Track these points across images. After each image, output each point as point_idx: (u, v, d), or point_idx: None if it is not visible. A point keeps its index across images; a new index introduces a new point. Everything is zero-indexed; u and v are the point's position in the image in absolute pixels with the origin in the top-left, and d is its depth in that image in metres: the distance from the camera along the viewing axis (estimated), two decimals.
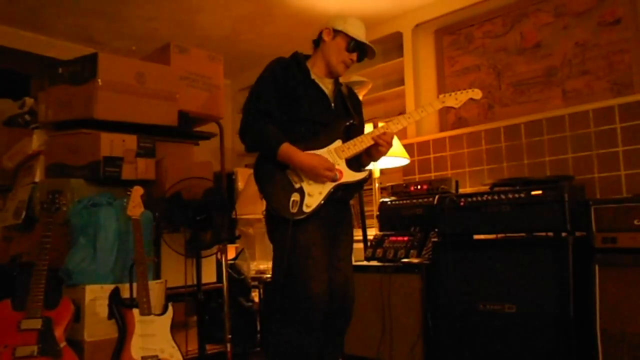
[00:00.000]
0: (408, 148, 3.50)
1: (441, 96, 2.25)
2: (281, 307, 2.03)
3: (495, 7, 3.49)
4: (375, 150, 2.17)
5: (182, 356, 2.38)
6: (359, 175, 2.14)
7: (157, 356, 2.28)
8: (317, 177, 2.05)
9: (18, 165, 3.11)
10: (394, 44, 4.07)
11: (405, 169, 3.65)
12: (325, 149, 2.11)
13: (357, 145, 2.13)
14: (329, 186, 2.06)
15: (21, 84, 4.08)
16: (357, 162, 2.21)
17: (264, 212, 2.20)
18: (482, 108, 3.52)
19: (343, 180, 2.09)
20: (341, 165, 2.10)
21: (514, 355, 2.29)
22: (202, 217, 2.79)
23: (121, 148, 2.83)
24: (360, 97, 3.42)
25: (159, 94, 3.04)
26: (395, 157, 3.39)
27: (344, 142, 2.14)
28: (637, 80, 2.91)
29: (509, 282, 2.34)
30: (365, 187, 3.55)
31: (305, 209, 2.02)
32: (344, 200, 2.24)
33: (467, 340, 2.43)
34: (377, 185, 3.42)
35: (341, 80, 2.35)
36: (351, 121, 2.20)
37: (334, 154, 2.11)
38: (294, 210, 2.01)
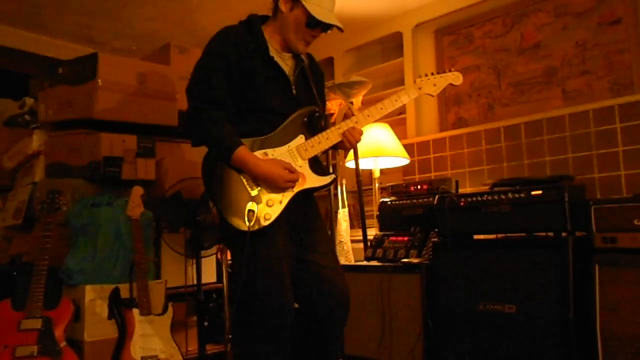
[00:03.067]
0: (408, 148, 3.50)
1: (418, 80, 1.99)
2: (245, 323, 1.83)
3: (495, 7, 3.49)
4: (341, 145, 1.94)
5: (182, 356, 2.38)
6: (324, 180, 1.89)
7: (157, 356, 2.28)
8: (278, 188, 1.81)
9: (18, 165, 3.11)
10: (394, 44, 4.07)
11: (405, 169, 3.65)
12: (285, 147, 1.86)
13: (322, 143, 1.88)
14: (290, 194, 1.82)
15: (21, 84, 4.07)
16: (320, 162, 1.99)
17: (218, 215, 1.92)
18: (482, 108, 3.52)
19: (306, 186, 1.86)
20: (303, 168, 1.86)
21: (514, 355, 2.29)
22: (202, 217, 2.79)
23: (121, 148, 2.83)
24: (360, 97, 3.43)
25: (159, 94, 3.04)
26: (395, 157, 3.39)
27: (306, 137, 1.88)
28: (637, 80, 2.91)
29: (509, 282, 2.33)
30: (365, 187, 3.57)
31: (264, 222, 1.78)
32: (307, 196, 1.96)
33: (467, 341, 2.43)
34: (377, 185, 3.42)
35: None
36: (315, 110, 1.93)
37: (296, 153, 1.86)
38: (251, 222, 1.75)
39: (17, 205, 2.95)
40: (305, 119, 1.90)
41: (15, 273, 2.66)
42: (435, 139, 3.59)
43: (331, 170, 3.23)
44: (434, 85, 1.99)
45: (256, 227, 1.77)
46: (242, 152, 1.77)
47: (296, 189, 1.84)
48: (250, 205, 1.77)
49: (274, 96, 1.89)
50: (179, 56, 3.26)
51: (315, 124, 1.93)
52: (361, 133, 1.92)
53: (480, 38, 3.57)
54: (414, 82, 2.01)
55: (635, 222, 2.09)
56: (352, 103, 3.36)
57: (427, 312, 2.55)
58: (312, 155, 1.88)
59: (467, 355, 2.43)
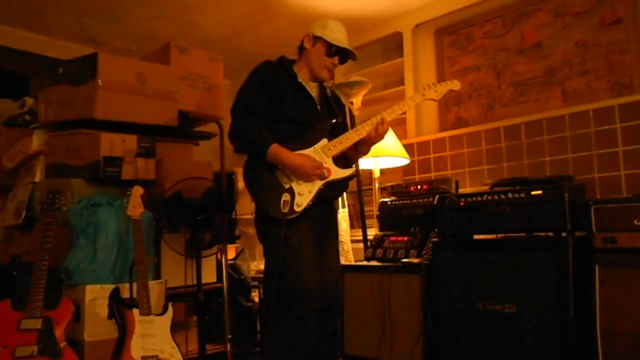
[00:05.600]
0: (408, 148, 3.50)
1: (421, 88, 2.30)
2: (276, 305, 2.07)
3: (495, 7, 3.49)
4: (362, 145, 2.25)
5: (182, 356, 2.38)
6: (347, 172, 2.19)
7: (157, 356, 2.28)
8: (306, 176, 2.11)
9: (18, 165, 3.11)
10: (394, 44, 4.07)
11: (405, 169, 3.65)
12: (311, 148, 2.17)
13: (342, 143, 2.19)
14: (318, 184, 2.13)
15: (21, 84, 4.07)
16: (343, 160, 2.26)
17: (253, 213, 2.25)
18: (482, 108, 3.52)
19: (331, 177, 2.15)
20: (328, 163, 2.16)
21: (514, 355, 2.29)
22: (202, 217, 2.79)
23: (121, 148, 2.82)
24: (360, 97, 3.43)
25: (159, 94, 3.04)
26: (395, 157, 3.40)
27: (329, 140, 2.20)
28: (637, 80, 2.91)
29: (509, 282, 2.34)
30: (365, 187, 3.58)
31: (297, 208, 2.08)
32: (331, 201, 2.34)
33: (467, 340, 2.43)
34: (377, 185, 3.42)
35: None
36: (336, 119, 2.26)
37: (321, 152, 2.17)
38: (285, 210, 2.07)
39: (17, 205, 2.95)
40: (328, 126, 2.23)
41: (15, 273, 2.66)
42: (435, 139, 3.59)
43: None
44: (436, 91, 2.28)
45: (291, 215, 2.06)
46: (275, 147, 2.10)
47: (324, 180, 2.13)
48: (285, 197, 2.09)
49: (302, 110, 2.24)
50: (179, 56, 3.26)
51: (337, 130, 2.25)
52: (388, 128, 2.24)
53: (480, 38, 3.57)
54: (418, 89, 2.32)
55: (635, 222, 2.09)
56: (352, 103, 3.36)
57: (427, 312, 2.55)
58: (335, 153, 2.18)
59: (467, 355, 2.43)
